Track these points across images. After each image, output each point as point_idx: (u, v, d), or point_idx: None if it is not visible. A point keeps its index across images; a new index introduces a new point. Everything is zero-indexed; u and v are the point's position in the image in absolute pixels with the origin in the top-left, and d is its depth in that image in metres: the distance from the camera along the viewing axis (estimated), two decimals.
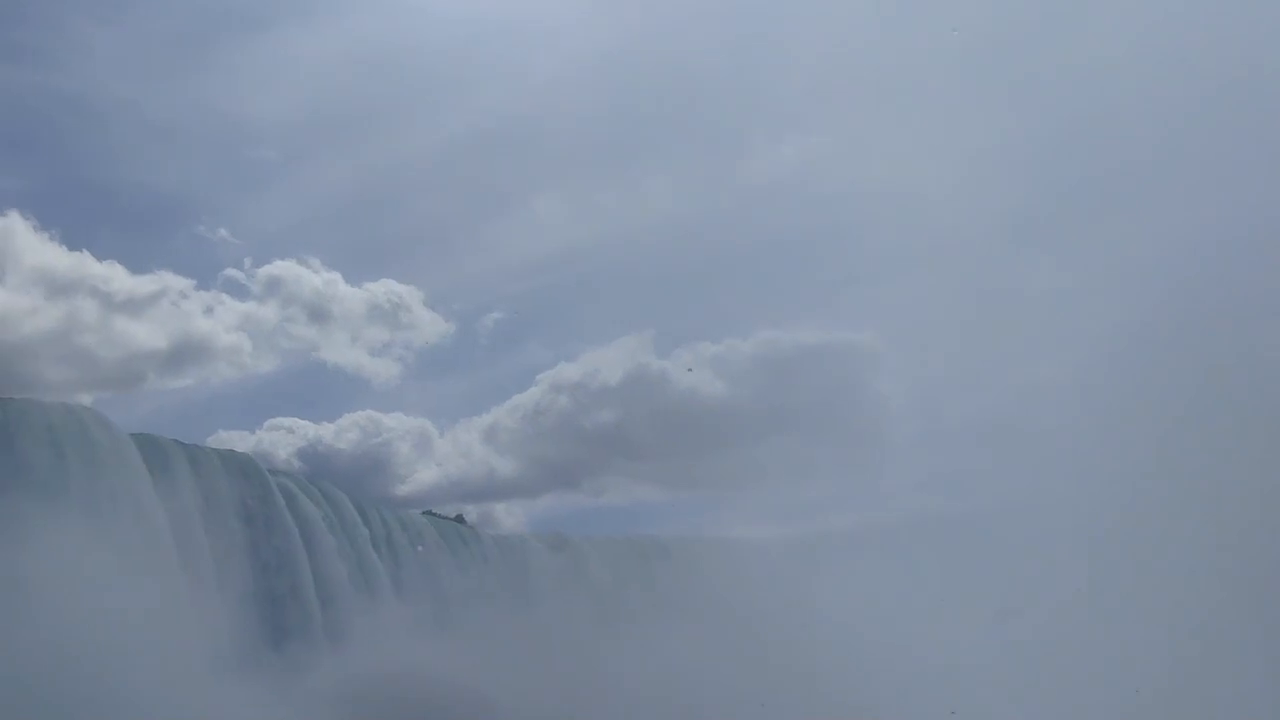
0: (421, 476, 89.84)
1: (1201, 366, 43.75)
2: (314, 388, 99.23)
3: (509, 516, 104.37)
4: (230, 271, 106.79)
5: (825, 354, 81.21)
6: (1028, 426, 53.63)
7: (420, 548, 50.82)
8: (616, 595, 54.73)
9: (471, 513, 71.17)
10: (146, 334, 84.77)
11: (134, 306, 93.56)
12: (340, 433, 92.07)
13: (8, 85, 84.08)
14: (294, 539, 43.38)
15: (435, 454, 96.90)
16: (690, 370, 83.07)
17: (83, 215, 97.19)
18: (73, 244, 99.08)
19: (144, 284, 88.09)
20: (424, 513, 57.44)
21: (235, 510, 41.70)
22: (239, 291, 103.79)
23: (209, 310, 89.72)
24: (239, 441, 70.28)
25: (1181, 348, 44.99)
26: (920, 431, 69.49)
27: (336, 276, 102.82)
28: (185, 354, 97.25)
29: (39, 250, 75.35)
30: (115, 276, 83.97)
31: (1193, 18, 46.88)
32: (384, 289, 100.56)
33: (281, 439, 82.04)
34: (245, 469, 45.29)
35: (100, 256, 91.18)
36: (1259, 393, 42.51)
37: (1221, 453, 40.48)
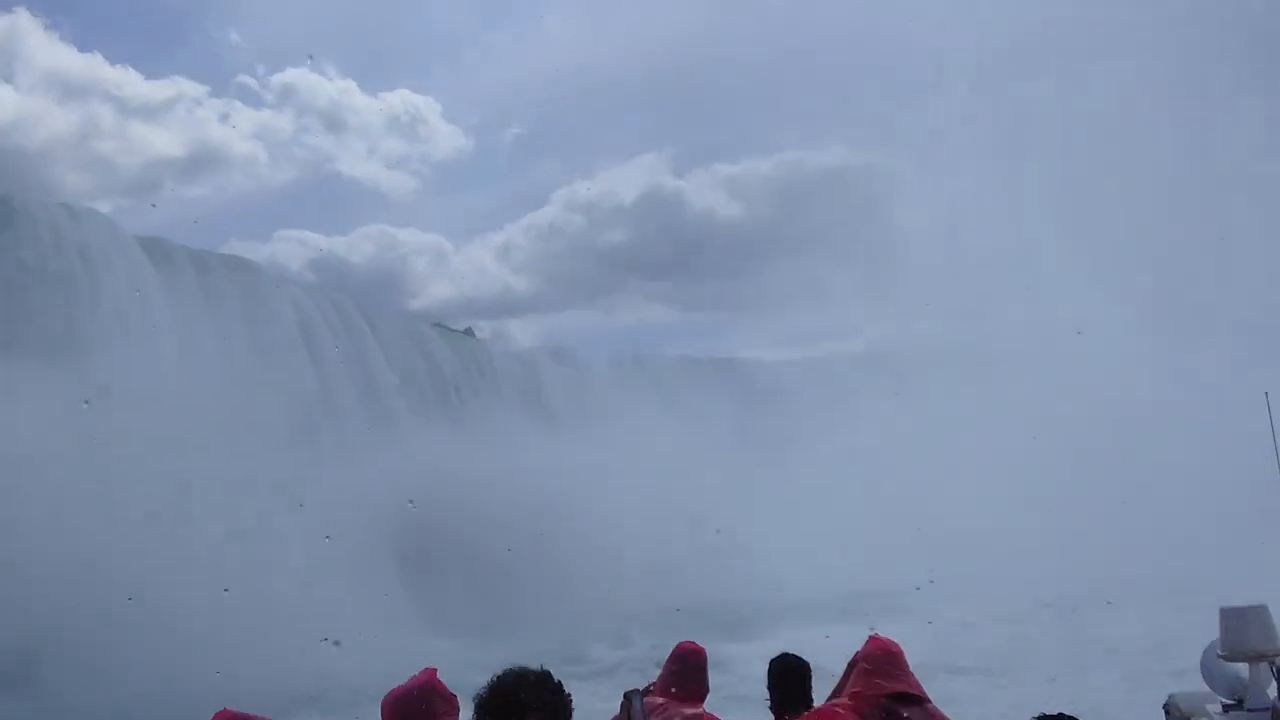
0: (435, 291, 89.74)
1: None
2: (329, 200, 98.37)
3: (522, 333, 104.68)
4: (243, 78, 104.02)
5: (845, 177, 79.64)
6: (1047, 257, 52.82)
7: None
8: (624, 411, 54.95)
9: (485, 329, 71.16)
10: (163, 141, 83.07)
11: (149, 112, 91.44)
12: (353, 246, 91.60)
13: None
14: (298, 349, 43.23)
15: (449, 270, 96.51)
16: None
17: (90, 14, 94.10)
18: (83, 45, 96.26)
19: (158, 89, 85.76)
20: (434, 325, 57.29)
21: (239, 318, 41.36)
22: (252, 99, 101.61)
23: (224, 118, 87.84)
24: (251, 252, 69.85)
25: None
26: (938, 259, 68.65)
27: (352, 85, 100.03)
28: (202, 162, 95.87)
29: (49, 50, 72.93)
30: (129, 81, 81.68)
31: None
32: (401, 100, 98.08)
33: (294, 250, 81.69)
34: (252, 277, 44.90)
35: (112, 60, 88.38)
36: None
37: None
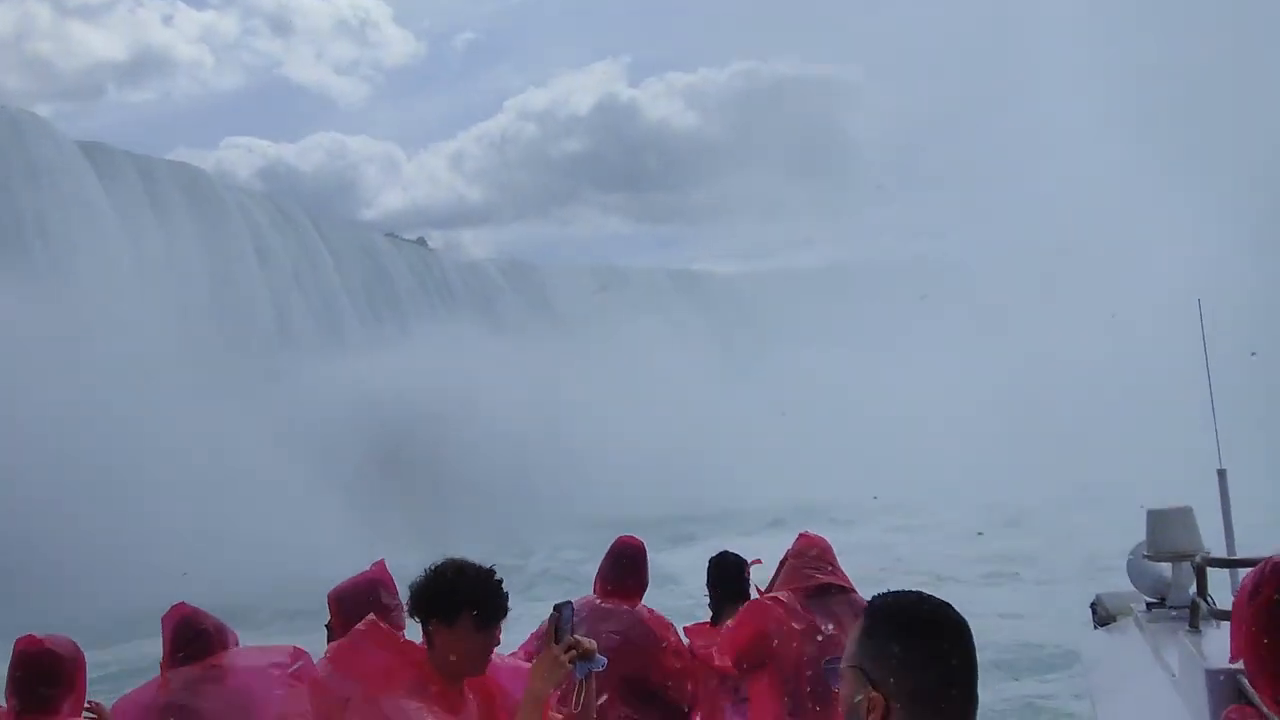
0: (386, 201, 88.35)
1: None
2: (278, 106, 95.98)
3: (476, 244, 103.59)
4: None
5: (804, 87, 78.98)
6: (1005, 172, 52.89)
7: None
8: (580, 322, 54.84)
9: (437, 239, 70.30)
10: (104, 42, 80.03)
11: (88, 12, 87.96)
12: (303, 154, 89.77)
13: None
14: (248, 258, 42.63)
15: (401, 179, 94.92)
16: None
17: None
18: None
19: None
20: (386, 235, 56.64)
21: (188, 226, 40.58)
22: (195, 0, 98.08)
23: (167, 19, 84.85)
24: (198, 159, 68.17)
25: None
26: (896, 173, 68.68)
27: None
28: (145, 65, 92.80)
29: None
30: None
31: None
32: (350, 2, 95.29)
33: (242, 158, 79.89)
34: (199, 184, 44.04)
35: None
36: None
37: None
